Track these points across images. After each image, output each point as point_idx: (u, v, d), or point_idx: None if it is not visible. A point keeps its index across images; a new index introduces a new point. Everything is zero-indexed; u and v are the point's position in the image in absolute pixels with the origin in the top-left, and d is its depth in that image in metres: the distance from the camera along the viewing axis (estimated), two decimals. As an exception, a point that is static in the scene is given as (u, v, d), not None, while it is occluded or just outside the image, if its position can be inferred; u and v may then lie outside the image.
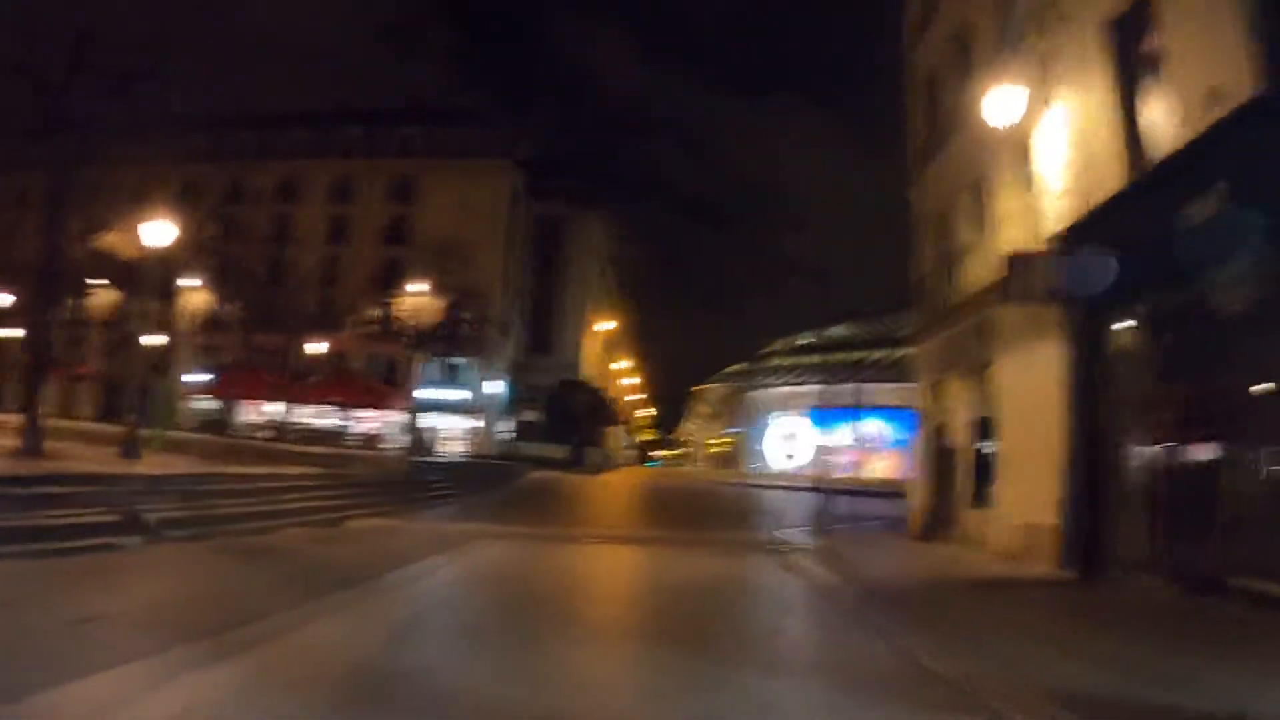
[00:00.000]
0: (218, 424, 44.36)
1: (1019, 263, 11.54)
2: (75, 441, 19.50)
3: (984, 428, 15.01)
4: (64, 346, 47.04)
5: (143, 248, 16.95)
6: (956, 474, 15.74)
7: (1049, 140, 12.62)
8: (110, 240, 17.16)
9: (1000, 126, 12.22)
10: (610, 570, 12.17)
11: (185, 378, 49.43)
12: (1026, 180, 13.69)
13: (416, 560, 10.62)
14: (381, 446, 42.83)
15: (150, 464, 15.38)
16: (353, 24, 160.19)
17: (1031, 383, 12.63)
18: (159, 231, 16.78)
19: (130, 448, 16.34)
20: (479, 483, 28.91)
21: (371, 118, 55.27)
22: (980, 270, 14.90)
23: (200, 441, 26.31)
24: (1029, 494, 12.54)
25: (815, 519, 17.36)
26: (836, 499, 17.05)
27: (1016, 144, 13.72)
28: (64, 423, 25.99)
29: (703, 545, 15.16)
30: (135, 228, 17.19)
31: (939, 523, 16.14)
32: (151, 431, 23.23)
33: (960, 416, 16.04)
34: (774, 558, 13.30)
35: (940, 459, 16.64)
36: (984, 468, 14.93)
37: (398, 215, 53.54)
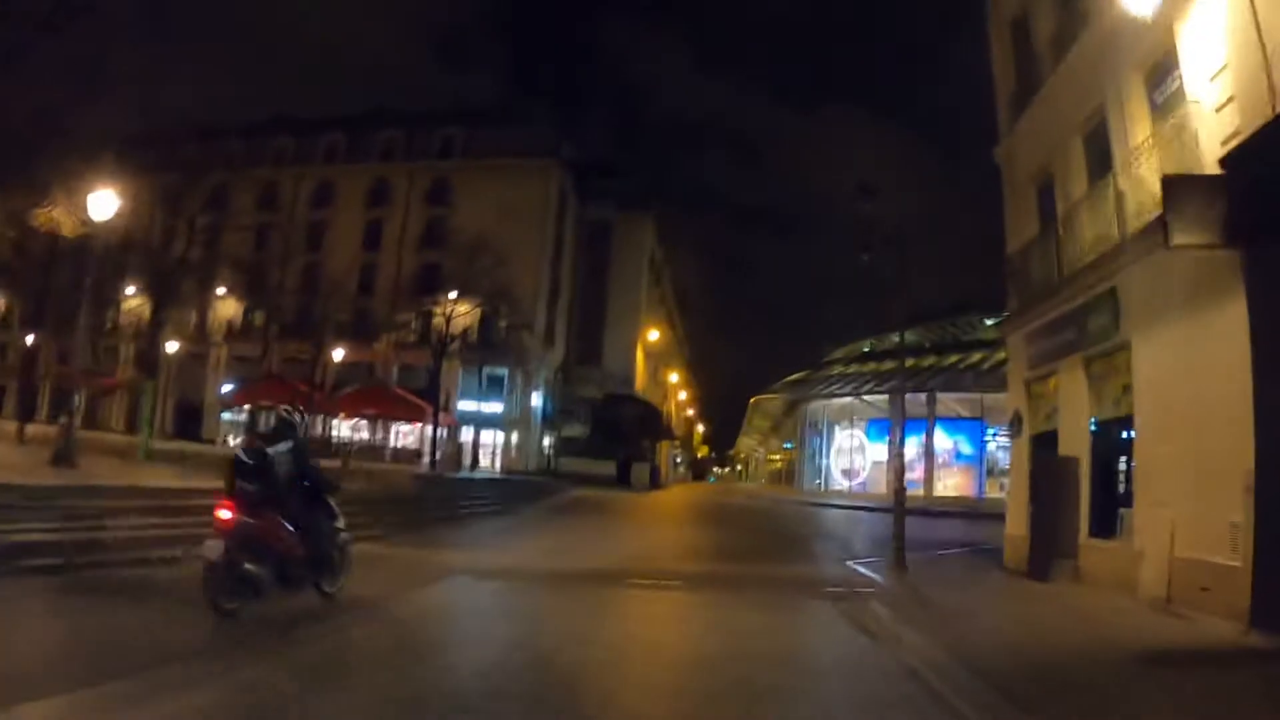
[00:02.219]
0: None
1: (1182, 189, 8.20)
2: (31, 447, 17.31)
3: (1113, 430, 11.53)
4: (94, 357, 46.14)
5: (88, 221, 14.77)
6: (1072, 492, 12.17)
7: (1201, 37, 9.32)
8: (53, 216, 14.89)
9: (1140, 16, 9.06)
10: (602, 640, 7.59)
11: (224, 387, 48.02)
12: (1170, 98, 10.38)
13: (333, 614, 7.68)
14: (420, 461, 40.46)
15: (72, 475, 12.87)
16: (408, 38, 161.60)
17: (1193, 364, 9.21)
18: (104, 203, 14.63)
19: (63, 454, 13.89)
20: (506, 502, 26.10)
21: (411, 119, 52.92)
22: (1102, 226, 11.48)
23: (197, 452, 23.97)
24: (1188, 520, 9.16)
25: (887, 547, 13.94)
26: (906, 521, 13.45)
27: (1152, 51, 10.51)
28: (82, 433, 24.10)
29: (750, 587, 11.47)
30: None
31: (1047, 554, 12.54)
32: (140, 439, 21.20)
33: (1077, 417, 12.50)
34: (843, 607, 9.76)
35: (1047, 473, 13.03)
36: (1111, 483, 11.49)
37: (436, 218, 50.58)
